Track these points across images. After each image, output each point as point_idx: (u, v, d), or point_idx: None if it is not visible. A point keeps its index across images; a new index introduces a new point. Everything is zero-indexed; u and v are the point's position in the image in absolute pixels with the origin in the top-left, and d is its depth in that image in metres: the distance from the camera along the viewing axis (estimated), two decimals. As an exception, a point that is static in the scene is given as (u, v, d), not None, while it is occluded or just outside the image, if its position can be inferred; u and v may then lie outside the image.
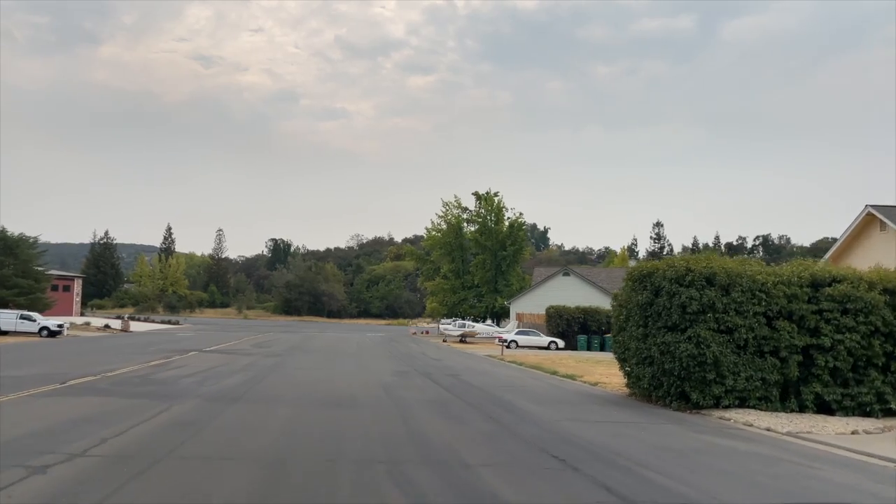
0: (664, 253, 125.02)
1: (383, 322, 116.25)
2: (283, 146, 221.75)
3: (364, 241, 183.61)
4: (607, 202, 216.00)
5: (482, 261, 71.93)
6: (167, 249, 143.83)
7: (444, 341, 54.85)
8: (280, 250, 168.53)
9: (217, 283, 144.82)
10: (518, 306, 59.68)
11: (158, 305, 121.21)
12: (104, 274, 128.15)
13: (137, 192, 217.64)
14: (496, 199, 74.35)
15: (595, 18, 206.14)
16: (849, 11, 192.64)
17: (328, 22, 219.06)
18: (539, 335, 46.72)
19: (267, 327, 77.94)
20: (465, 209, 76.40)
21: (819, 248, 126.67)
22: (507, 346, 44.96)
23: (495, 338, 51.41)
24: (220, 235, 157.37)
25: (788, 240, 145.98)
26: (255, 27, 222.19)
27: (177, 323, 79.91)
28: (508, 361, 33.10)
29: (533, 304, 57.65)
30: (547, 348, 45.18)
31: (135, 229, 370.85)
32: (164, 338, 45.53)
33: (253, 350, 34.34)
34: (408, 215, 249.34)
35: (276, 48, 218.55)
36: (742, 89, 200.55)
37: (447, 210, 77.04)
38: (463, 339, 54.10)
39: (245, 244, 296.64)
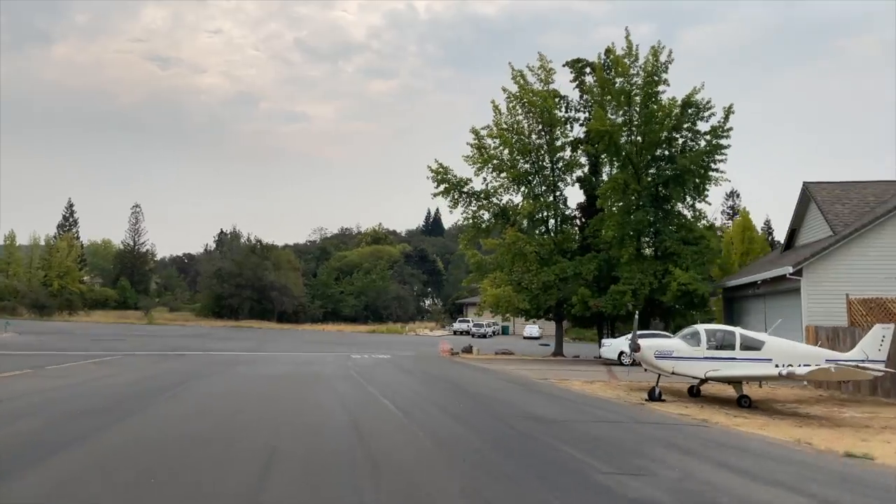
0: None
1: (364, 329, 77.34)
2: (242, 149, 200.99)
3: (328, 235, 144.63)
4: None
5: (617, 186, 30.84)
6: (66, 232, 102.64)
7: (656, 398, 15.91)
8: (226, 243, 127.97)
9: (132, 278, 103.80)
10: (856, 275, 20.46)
11: (22, 305, 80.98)
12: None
13: (86, 194, 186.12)
14: (633, 58, 31.35)
15: (556, 25, 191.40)
16: (804, 22, 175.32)
17: (288, 24, 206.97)
18: None
19: (155, 340, 42.01)
20: (557, 96, 34.68)
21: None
22: None
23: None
24: (136, 213, 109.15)
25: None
26: (214, 29, 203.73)
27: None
28: None
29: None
30: None
31: (83, 234, 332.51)
32: None
33: None
34: (375, 219, 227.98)
35: (234, 50, 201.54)
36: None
37: (522, 87, 34.00)
38: (739, 395, 15.55)
39: (195, 245, 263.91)
